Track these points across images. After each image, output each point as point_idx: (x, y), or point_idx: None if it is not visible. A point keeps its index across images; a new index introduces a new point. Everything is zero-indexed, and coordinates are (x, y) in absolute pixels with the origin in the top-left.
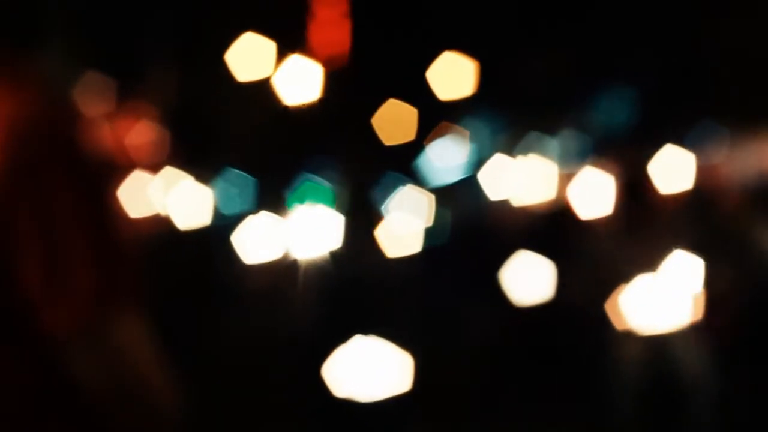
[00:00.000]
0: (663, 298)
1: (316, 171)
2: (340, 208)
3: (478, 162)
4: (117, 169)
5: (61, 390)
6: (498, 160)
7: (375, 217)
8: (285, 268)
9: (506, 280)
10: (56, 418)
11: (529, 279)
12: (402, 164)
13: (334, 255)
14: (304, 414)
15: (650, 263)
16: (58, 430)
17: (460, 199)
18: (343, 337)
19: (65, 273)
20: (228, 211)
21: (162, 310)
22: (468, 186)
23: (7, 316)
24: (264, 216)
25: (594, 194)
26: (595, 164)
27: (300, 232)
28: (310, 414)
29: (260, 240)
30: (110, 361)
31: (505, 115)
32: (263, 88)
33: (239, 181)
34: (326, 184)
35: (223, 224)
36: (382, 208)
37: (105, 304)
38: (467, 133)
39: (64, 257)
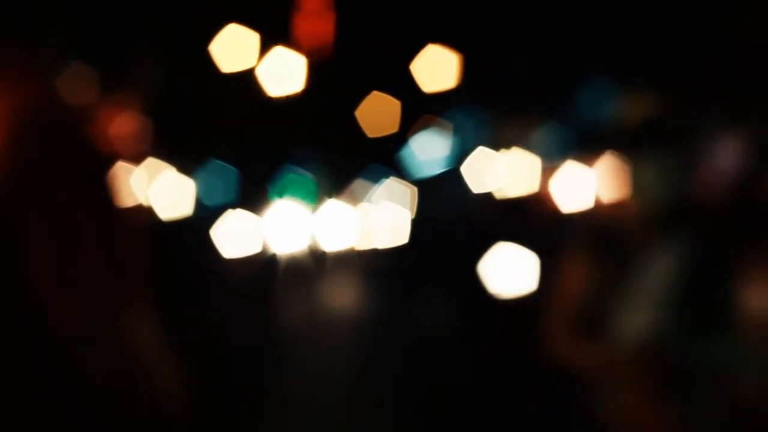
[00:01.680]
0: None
1: (299, 162)
2: (323, 200)
3: (461, 154)
4: (96, 160)
5: (70, 388)
6: (481, 153)
7: (358, 209)
8: (265, 261)
9: (485, 271)
10: (65, 417)
11: (509, 271)
12: (385, 156)
13: (314, 248)
14: (293, 406)
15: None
16: (66, 428)
17: (443, 192)
18: (324, 329)
19: (75, 270)
20: (210, 202)
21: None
22: (451, 178)
23: (16, 314)
24: (245, 209)
25: (576, 187)
26: (578, 158)
27: (281, 225)
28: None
29: (240, 233)
30: (119, 359)
31: (489, 108)
32: (247, 79)
33: (222, 173)
34: (309, 175)
35: (206, 215)
36: (365, 199)
37: (115, 301)
38: (450, 125)
39: (73, 254)
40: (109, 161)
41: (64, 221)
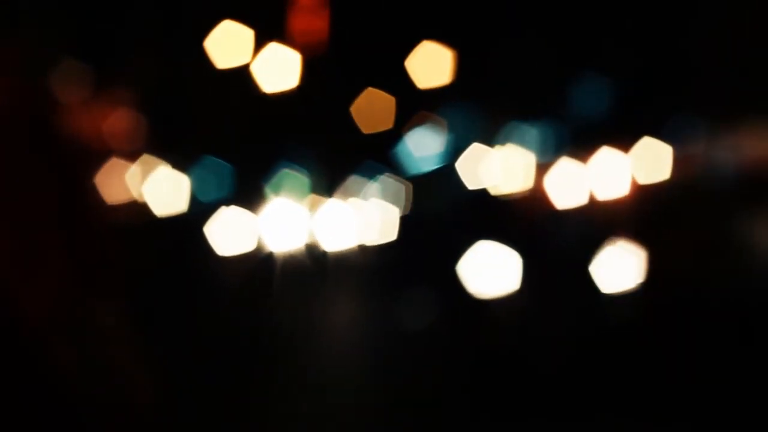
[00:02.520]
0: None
1: (293, 159)
2: (317, 196)
3: (456, 151)
4: (94, 156)
5: (36, 380)
6: (476, 149)
7: (352, 205)
8: (260, 259)
9: (469, 270)
10: (30, 409)
11: (495, 269)
12: (380, 153)
13: (310, 245)
14: (281, 407)
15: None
16: (33, 421)
17: (437, 188)
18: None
19: (37, 260)
20: (205, 198)
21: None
22: (446, 175)
23: None
24: (239, 206)
25: (571, 185)
26: (573, 155)
27: (275, 222)
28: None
29: (234, 230)
30: (86, 351)
31: (483, 104)
32: (241, 75)
33: (216, 169)
34: (303, 171)
35: (200, 211)
36: (360, 196)
37: (80, 292)
38: (445, 122)
39: (36, 244)
40: (84, 152)
41: (27, 209)
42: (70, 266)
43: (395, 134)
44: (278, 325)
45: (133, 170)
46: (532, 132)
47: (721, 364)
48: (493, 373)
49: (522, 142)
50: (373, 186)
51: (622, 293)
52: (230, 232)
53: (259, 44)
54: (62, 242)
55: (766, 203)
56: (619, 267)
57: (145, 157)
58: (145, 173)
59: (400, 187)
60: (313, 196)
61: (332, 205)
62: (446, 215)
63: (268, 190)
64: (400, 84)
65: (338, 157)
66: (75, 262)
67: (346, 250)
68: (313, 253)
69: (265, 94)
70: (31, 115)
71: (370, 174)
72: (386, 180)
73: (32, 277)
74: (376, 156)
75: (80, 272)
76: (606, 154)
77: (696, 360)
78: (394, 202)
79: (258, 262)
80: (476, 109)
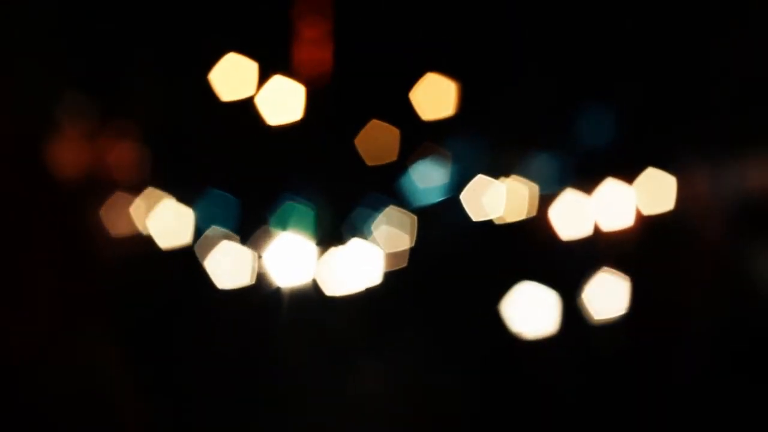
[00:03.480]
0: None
1: (298, 191)
2: (322, 229)
3: (461, 182)
4: (96, 188)
5: (24, 410)
6: (480, 180)
7: (356, 237)
8: (263, 293)
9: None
10: None
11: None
12: (384, 185)
13: (313, 278)
14: None
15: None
16: None
17: (442, 220)
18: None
19: (26, 293)
20: (209, 231)
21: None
22: (450, 206)
23: None
24: (242, 239)
25: (575, 215)
26: (577, 186)
27: (279, 255)
28: None
29: (236, 263)
30: (74, 381)
31: (488, 136)
32: (246, 108)
33: (221, 202)
34: (308, 204)
35: (204, 244)
36: (365, 229)
37: (68, 323)
38: (449, 153)
39: (23, 277)
40: (77, 184)
41: (14, 242)
42: (69, 299)
43: (400, 166)
44: (279, 362)
45: (138, 203)
46: (537, 163)
47: (729, 395)
48: (501, 403)
49: (526, 174)
50: (378, 218)
51: (622, 322)
52: (231, 265)
53: (263, 77)
54: (62, 276)
55: None
56: (620, 296)
57: (150, 190)
58: (150, 206)
59: (405, 219)
60: (317, 229)
61: (336, 237)
62: (451, 246)
63: (272, 222)
64: (404, 116)
65: (342, 189)
66: (74, 295)
67: (350, 283)
68: (316, 286)
69: (269, 127)
70: (34, 147)
71: (375, 206)
72: (390, 212)
73: (32, 312)
74: (380, 188)
75: (79, 305)
76: (610, 185)
77: (704, 391)
78: (399, 233)
79: (260, 295)
80: (481, 140)
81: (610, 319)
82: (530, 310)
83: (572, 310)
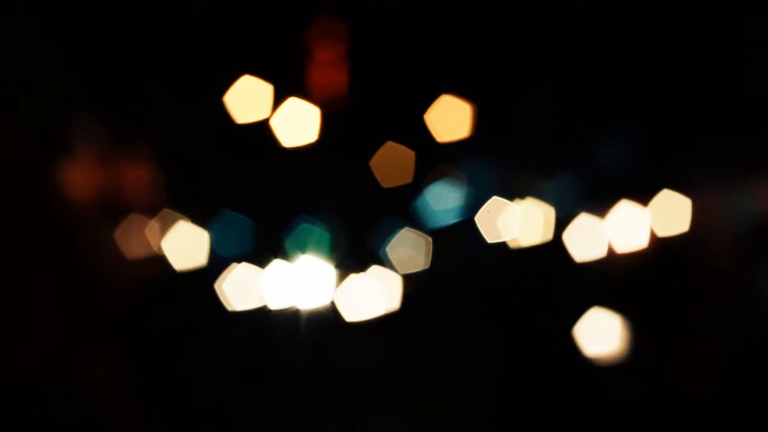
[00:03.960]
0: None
1: (313, 213)
2: (337, 251)
3: (475, 204)
4: (112, 210)
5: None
6: (495, 202)
7: (372, 260)
8: (277, 315)
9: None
10: None
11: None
12: (400, 207)
13: (328, 300)
14: None
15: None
16: None
17: (457, 242)
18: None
19: (29, 316)
20: (225, 253)
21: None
22: (465, 228)
23: None
24: (257, 261)
25: (590, 238)
26: (592, 208)
27: (295, 278)
28: None
29: (250, 286)
30: (79, 405)
31: (503, 158)
32: (261, 130)
33: (236, 224)
34: (323, 226)
35: (219, 266)
36: (380, 250)
37: (72, 347)
38: (464, 175)
39: (27, 300)
40: (84, 208)
41: (19, 265)
42: (83, 321)
43: (415, 188)
44: (292, 384)
45: (153, 225)
46: (552, 185)
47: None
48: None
49: (541, 196)
50: (393, 240)
51: (636, 343)
52: (245, 287)
53: (278, 99)
54: (76, 298)
55: None
56: (633, 318)
57: (165, 212)
58: (165, 228)
59: (420, 241)
60: (332, 251)
61: (352, 259)
62: (466, 268)
63: (287, 244)
64: (419, 138)
65: (358, 211)
66: (88, 317)
67: (366, 306)
68: (332, 308)
69: (284, 149)
70: (50, 170)
71: (390, 228)
72: (406, 234)
73: (45, 335)
74: (395, 210)
75: (92, 327)
76: (625, 207)
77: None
78: (414, 255)
79: (274, 317)
80: (495, 162)
81: (624, 339)
82: (547, 332)
83: (587, 332)
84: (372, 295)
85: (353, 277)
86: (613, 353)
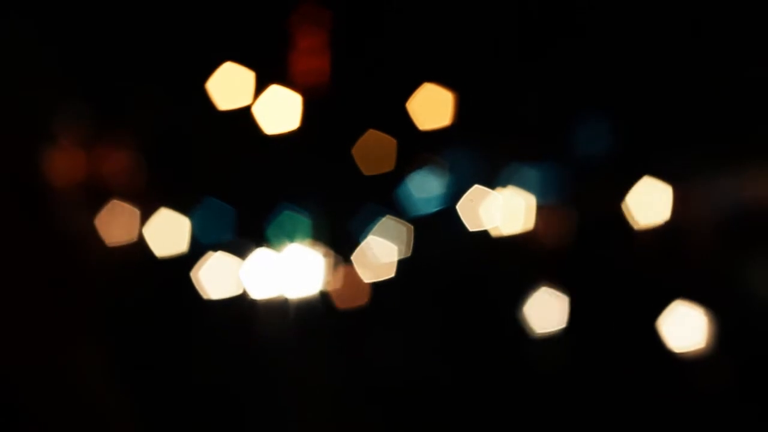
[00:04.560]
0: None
1: (294, 200)
2: (319, 239)
3: (457, 193)
4: (92, 196)
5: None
6: (476, 191)
7: (352, 247)
8: (257, 302)
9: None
10: None
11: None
12: (381, 194)
13: (308, 288)
14: None
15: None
16: None
17: (438, 230)
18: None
19: (17, 301)
20: (206, 240)
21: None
22: (447, 216)
23: None
24: (237, 248)
25: (571, 225)
26: (574, 196)
27: (275, 265)
28: None
29: (229, 274)
30: (68, 398)
31: (485, 146)
32: (243, 117)
33: (217, 211)
34: (305, 214)
35: (200, 253)
36: (361, 238)
37: (60, 339)
38: (446, 163)
39: (14, 285)
40: (68, 194)
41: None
42: (61, 307)
43: (396, 176)
44: (271, 371)
45: (134, 211)
46: (533, 173)
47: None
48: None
49: (523, 184)
50: (374, 227)
51: (618, 328)
52: (226, 275)
53: (260, 86)
54: (54, 284)
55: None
56: (615, 304)
57: (146, 199)
58: (146, 215)
59: (401, 229)
60: (313, 238)
61: (333, 247)
62: (447, 256)
63: (268, 231)
64: (401, 126)
65: (339, 199)
66: (67, 303)
67: (346, 291)
68: (312, 294)
69: (266, 136)
70: (29, 156)
71: (371, 216)
72: (387, 221)
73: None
74: (377, 197)
75: (71, 313)
76: (606, 194)
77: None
78: (395, 243)
79: (254, 305)
80: (477, 150)
81: (607, 325)
82: (529, 319)
83: (571, 318)
84: (352, 283)
85: (334, 265)
86: (596, 338)
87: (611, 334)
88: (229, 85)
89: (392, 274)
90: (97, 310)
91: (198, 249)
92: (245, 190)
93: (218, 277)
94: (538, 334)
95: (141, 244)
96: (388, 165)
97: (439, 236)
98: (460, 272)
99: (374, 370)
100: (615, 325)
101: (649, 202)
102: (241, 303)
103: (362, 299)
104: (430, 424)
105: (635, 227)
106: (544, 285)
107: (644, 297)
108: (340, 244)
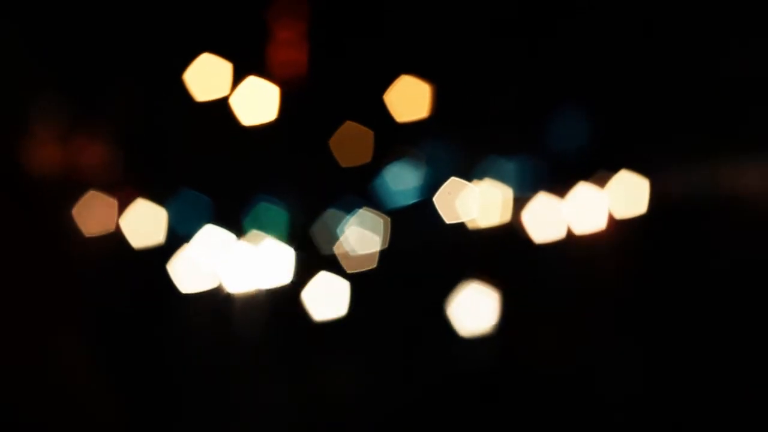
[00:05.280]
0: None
1: (271, 192)
2: (294, 232)
3: (434, 185)
4: (69, 187)
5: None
6: (453, 183)
7: (329, 239)
8: (231, 296)
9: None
10: None
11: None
12: (358, 186)
13: (284, 279)
14: None
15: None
16: None
17: (415, 222)
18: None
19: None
20: (182, 231)
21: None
22: (424, 209)
23: None
24: (214, 240)
25: (549, 219)
26: (550, 189)
27: (249, 257)
28: None
29: (204, 266)
30: (50, 388)
31: (462, 138)
32: (220, 108)
33: (194, 201)
34: (281, 205)
35: (177, 244)
36: (338, 230)
37: (43, 329)
38: (423, 156)
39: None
40: (48, 185)
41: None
42: (40, 298)
43: (373, 168)
44: (243, 364)
45: (111, 202)
46: (510, 166)
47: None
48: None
49: (500, 177)
50: (351, 219)
51: (593, 322)
52: (202, 267)
53: (237, 77)
54: (32, 275)
55: (746, 235)
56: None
57: (123, 190)
58: (123, 206)
59: (378, 221)
60: (289, 230)
61: (309, 239)
62: (424, 249)
63: (245, 223)
64: (378, 118)
65: (316, 191)
66: (45, 293)
67: (321, 284)
68: (287, 286)
69: (243, 127)
70: (6, 147)
71: (348, 207)
72: (364, 213)
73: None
74: (354, 189)
75: (49, 304)
76: (583, 188)
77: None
78: (372, 235)
79: (229, 298)
80: (454, 143)
81: (581, 320)
82: (499, 312)
83: (543, 312)
84: (328, 275)
85: (310, 257)
86: (570, 331)
87: (603, 328)
88: (207, 77)
89: (374, 265)
90: (76, 301)
91: (175, 240)
92: (222, 181)
93: (194, 269)
94: (480, 330)
95: (118, 235)
96: (365, 157)
97: (415, 228)
98: (436, 264)
99: (352, 360)
100: (610, 322)
101: (626, 195)
102: (216, 295)
103: (338, 291)
104: (410, 415)
105: (612, 220)
106: (520, 277)
107: (628, 290)
108: (317, 236)
